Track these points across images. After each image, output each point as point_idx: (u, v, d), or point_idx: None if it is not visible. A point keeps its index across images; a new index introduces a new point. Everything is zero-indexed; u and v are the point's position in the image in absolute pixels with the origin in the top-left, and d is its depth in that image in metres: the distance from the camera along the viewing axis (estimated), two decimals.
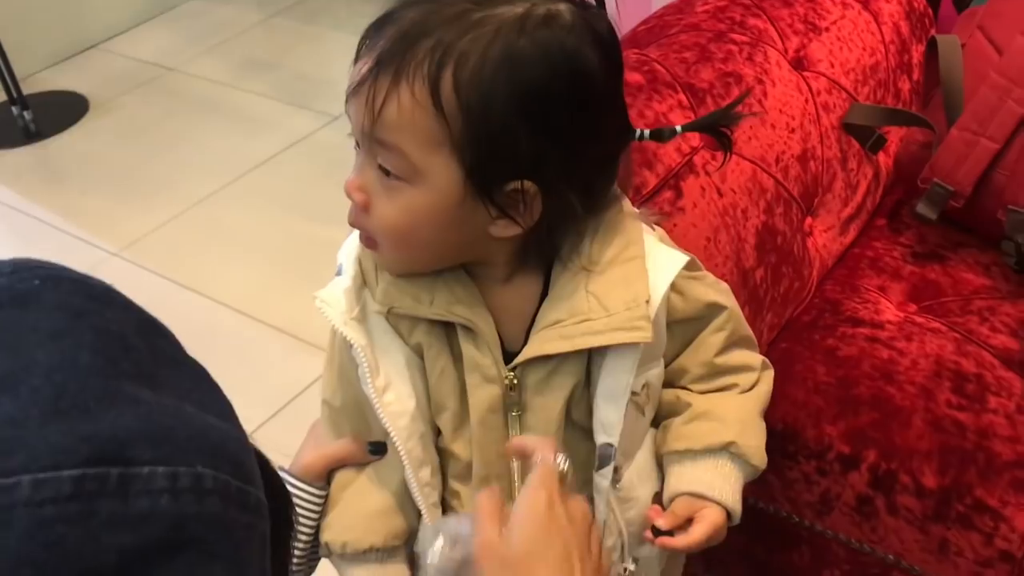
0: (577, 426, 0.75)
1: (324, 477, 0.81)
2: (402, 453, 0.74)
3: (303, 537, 0.80)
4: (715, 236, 0.98)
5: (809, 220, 1.13)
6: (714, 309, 0.79)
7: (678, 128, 0.76)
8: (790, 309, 1.09)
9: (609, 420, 0.73)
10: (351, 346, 0.73)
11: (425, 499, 0.76)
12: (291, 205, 2.26)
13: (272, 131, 2.52)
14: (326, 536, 0.79)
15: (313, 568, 0.83)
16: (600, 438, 0.74)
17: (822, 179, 1.13)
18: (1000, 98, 1.06)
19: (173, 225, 2.24)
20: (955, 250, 1.16)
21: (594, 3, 0.72)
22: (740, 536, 1.09)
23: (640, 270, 0.72)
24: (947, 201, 1.10)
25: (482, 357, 0.72)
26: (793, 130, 1.10)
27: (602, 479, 0.75)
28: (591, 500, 0.76)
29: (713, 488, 0.78)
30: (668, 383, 0.81)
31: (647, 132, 0.74)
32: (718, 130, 0.77)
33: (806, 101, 1.12)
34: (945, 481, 0.92)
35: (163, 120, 2.64)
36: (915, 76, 1.29)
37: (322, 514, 0.81)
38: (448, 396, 0.74)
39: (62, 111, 2.69)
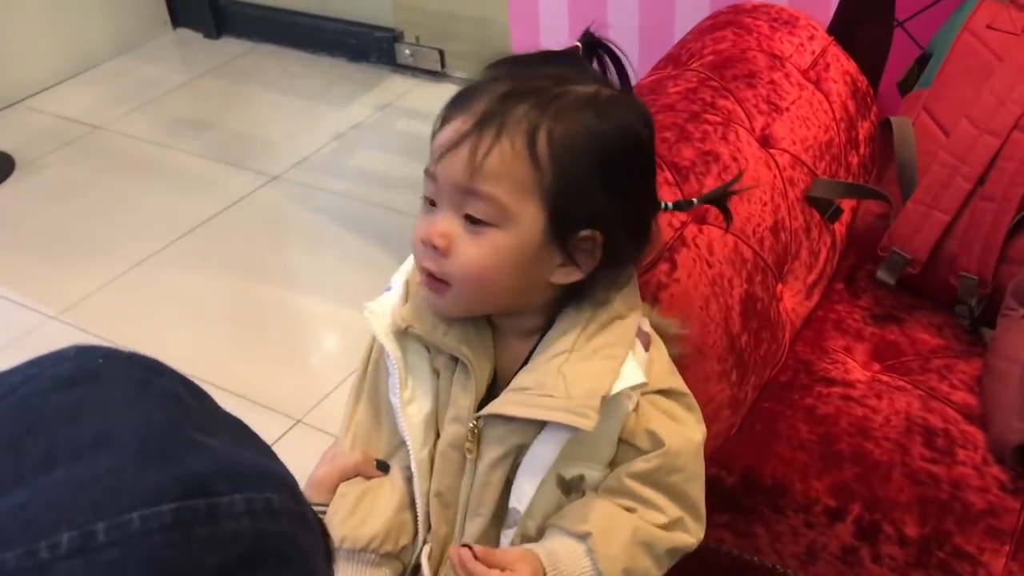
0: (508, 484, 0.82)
1: (333, 491, 0.86)
2: (414, 462, 0.83)
3: None
4: (707, 305, 1.05)
5: (780, 286, 1.21)
6: (654, 441, 0.80)
7: (695, 200, 0.91)
8: (768, 371, 1.17)
9: (523, 489, 0.80)
10: (387, 356, 0.82)
11: (422, 509, 0.84)
12: (234, 266, 2.26)
13: (209, 191, 2.51)
14: (344, 531, 0.82)
15: None
16: (512, 503, 0.81)
17: (791, 248, 1.22)
18: (950, 175, 1.17)
19: (113, 287, 2.21)
20: (910, 312, 1.25)
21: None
22: None
23: (613, 371, 0.78)
24: (904, 268, 1.20)
25: (464, 398, 0.80)
26: (765, 203, 1.18)
27: (504, 538, 0.82)
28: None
29: (555, 560, 0.78)
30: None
31: (671, 203, 0.88)
32: (723, 202, 0.92)
33: (775, 176, 1.21)
34: (926, 530, 1.00)
35: (94, 180, 2.60)
36: (862, 151, 1.40)
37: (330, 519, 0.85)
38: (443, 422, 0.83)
39: None
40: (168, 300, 2.17)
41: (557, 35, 1.71)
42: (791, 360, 1.19)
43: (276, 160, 2.63)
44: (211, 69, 3.13)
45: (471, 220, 0.75)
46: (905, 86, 1.32)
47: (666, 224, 1.07)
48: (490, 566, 0.76)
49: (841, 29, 1.45)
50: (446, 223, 0.76)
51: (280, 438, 1.81)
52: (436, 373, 0.84)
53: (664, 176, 1.11)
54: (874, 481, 1.03)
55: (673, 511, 0.82)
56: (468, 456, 0.81)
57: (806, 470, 1.06)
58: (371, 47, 3.02)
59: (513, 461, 0.80)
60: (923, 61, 1.30)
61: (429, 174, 0.77)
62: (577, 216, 0.76)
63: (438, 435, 0.85)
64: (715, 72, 1.29)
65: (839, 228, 1.34)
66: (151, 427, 0.36)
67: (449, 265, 0.76)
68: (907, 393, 1.13)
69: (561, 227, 0.76)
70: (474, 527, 0.82)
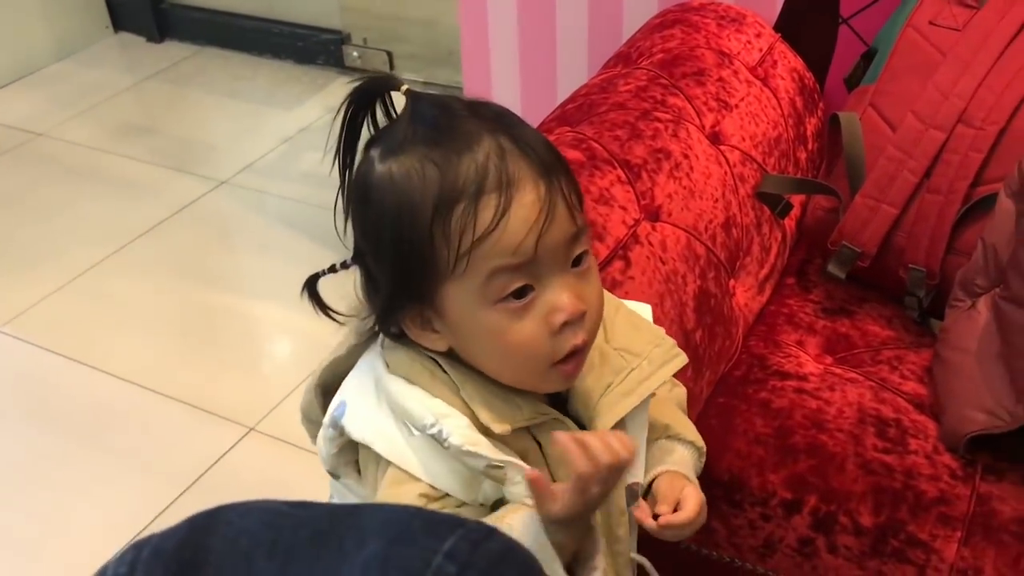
0: None
1: None
2: None
3: None
4: (661, 302, 1.05)
5: (732, 282, 1.22)
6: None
7: None
8: (723, 366, 1.17)
9: (638, 460, 0.80)
10: (510, 469, 0.70)
11: None
12: (183, 272, 2.22)
13: (156, 197, 2.47)
14: None
15: None
16: (629, 478, 0.79)
17: (742, 244, 1.23)
18: (897, 168, 1.18)
19: (58, 297, 2.16)
20: (860, 305, 1.27)
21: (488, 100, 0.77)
22: None
23: (634, 314, 0.81)
24: (854, 261, 1.21)
25: None
26: (717, 200, 1.19)
27: (632, 513, 0.80)
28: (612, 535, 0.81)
29: (671, 462, 0.82)
30: None
31: None
32: None
33: (725, 173, 1.22)
34: (880, 520, 1.01)
35: (36, 187, 2.55)
36: (810, 146, 1.41)
37: None
38: None
39: None
40: (115, 308, 2.13)
41: (506, 36, 1.71)
42: (744, 355, 1.20)
43: (223, 164, 2.59)
44: (155, 73, 3.08)
45: (576, 262, 0.69)
46: (852, 82, 1.34)
47: (619, 221, 1.07)
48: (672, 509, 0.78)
49: (787, 26, 1.47)
50: (569, 286, 0.68)
51: (233, 447, 1.78)
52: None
53: (616, 174, 1.11)
54: (829, 472, 1.04)
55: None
56: None
57: (762, 464, 1.06)
58: (318, 49, 3.00)
59: None
60: (869, 57, 1.32)
61: (520, 266, 0.66)
62: None
63: None
64: (665, 70, 1.30)
65: (789, 223, 1.35)
66: None
67: (589, 323, 0.70)
68: (859, 385, 1.14)
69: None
70: (623, 530, 0.80)
